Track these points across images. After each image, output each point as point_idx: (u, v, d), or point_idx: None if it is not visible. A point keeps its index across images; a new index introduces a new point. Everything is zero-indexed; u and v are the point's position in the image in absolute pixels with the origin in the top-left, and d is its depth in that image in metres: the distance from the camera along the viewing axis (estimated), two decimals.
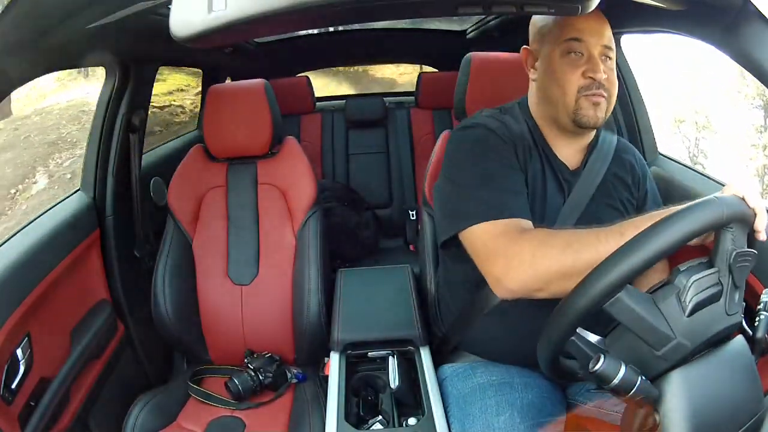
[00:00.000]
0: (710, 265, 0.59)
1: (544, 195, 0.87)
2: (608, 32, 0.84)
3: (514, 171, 0.84)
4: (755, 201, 0.63)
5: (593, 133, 0.92)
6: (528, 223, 0.79)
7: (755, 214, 0.63)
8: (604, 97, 0.83)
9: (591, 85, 0.82)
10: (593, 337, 0.61)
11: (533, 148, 0.88)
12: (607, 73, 0.83)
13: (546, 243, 0.72)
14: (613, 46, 0.84)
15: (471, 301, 0.90)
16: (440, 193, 0.88)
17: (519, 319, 0.83)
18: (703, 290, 0.57)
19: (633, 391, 0.55)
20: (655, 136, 1.38)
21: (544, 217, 0.85)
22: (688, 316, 0.56)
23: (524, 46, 0.92)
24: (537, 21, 0.90)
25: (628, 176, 0.93)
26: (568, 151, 0.91)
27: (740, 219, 0.60)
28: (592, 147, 0.92)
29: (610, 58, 0.84)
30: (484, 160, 0.83)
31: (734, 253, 0.58)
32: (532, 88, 0.93)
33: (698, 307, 0.57)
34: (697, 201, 0.59)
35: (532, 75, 0.91)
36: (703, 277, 0.57)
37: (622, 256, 0.55)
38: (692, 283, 0.56)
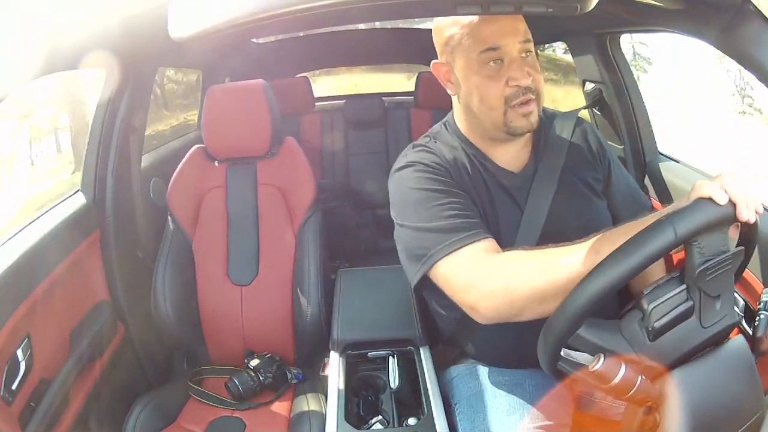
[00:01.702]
0: (680, 281, 0.57)
1: (494, 210, 0.84)
2: (523, 25, 0.77)
3: (458, 195, 0.79)
4: (725, 196, 0.57)
5: None
6: (490, 243, 0.75)
7: (734, 205, 0.57)
8: (533, 100, 0.79)
9: (517, 93, 0.77)
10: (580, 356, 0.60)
11: (471, 167, 0.85)
12: (531, 73, 0.77)
13: (517, 269, 0.69)
14: (530, 37, 0.78)
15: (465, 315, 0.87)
16: (398, 239, 0.84)
17: (525, 324, 0.83)
18: (671, 311, 0.56)
19: (633, 391, 0.55)
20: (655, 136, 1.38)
21: (499, 231, 0.82)
22: (652, 340, 0.56)
23: (434, 61, 0.86)
24: (441, 30, 0.82)
25: (587, 152, 0.90)
26: (509, 156, 0.87)
27: (704, 228, 0.56)
28: (537, 140, 0.88)
29: (530, 53, 0.78)
30: (426, 196, 0.79)
31: (702, 267, 0.56)
32: (455, 104, 0.88)
33: (666, 328, 0.56)
34: (650, 225, 0.56)
35: (451, 90, 0.86)
36: (668, 298, 0.56)
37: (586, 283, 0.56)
38: (653, 309, 0.56)
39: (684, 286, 0.57)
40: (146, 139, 1.43)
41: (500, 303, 0.69)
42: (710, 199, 0.57)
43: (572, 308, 0.56)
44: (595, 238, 0.64)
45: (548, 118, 0.92)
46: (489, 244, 0.75)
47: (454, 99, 0.88)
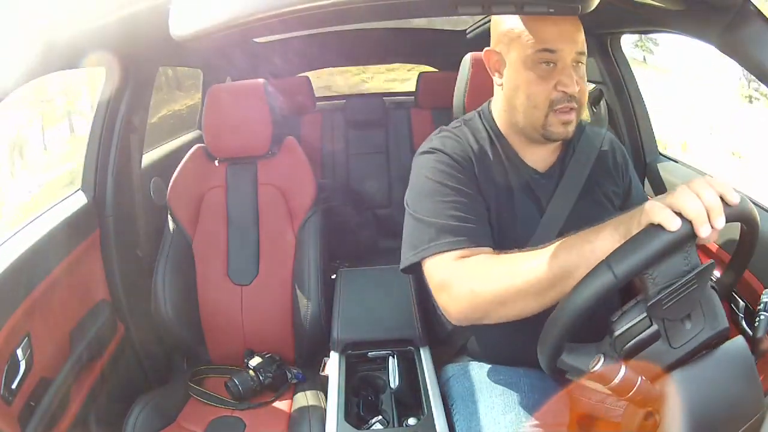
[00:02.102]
0: (643, 308, 0.57)
1: (512, 204, 0.84)
2: (582, 36, 0.79)
3: (471, 197, 0.81)
4: (676, 221, 0.53)
5: None
6: (484, 250, 0.77)
7: (692, 221, 0.54)
8: (575, 110, 0.80)
9: (563, 98, 0.78)
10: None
11: (495, 157, 0.86)
12: (580, 83, 0.79)
13: (482, 273, 0.72)
14: (585, 49, 0.80)
15: None
16: (405, 221, 0.86)
17: (523, 321, 0.83)
18: (636, 336, 0.56)
19: (633, 391, 0.55)
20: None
21: (516, 226, 0.83)
22: (624, 360, 0.56)
23: (487, 48, 0.87)
24: (501, 21, 0.83)
25: (612, 165, 0.91)
26: (538, 156, 0.88)
27: (652, 260, 0.54)
28: (567, 145, 0.89)
29: (582, 63, 0.80)
30: (435, 189, 0.81)
31: (657, 298, 0.55)
32: (498, 94, 0.88)
33: (635, 351, 0.56)
34: (591, 271, 0.56)
35: (497, 80, 0.87)
36: (632, 325, 0.56)
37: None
38: (618, 335, 0.57)
39: (644, 314, 0.56)
40: (164, 118, 1.43)
41: (465, 307, 0.73)
42: (659, 226, 0.54)
43: (572, 306, 0.56)
44: (556, 243, 0.66)
45: (581, 124, 0.93)
46: (470, 252, 0.77)
47: (497, 90, 0.88)
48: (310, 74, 2.49)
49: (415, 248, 0.80)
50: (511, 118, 0.86)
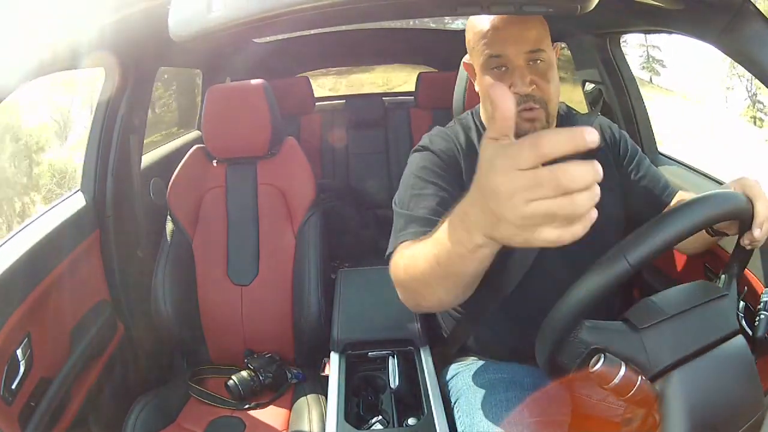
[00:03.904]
0: None
1: None
2: (533, 34, 0.79)
3: (449, 193, 0.82)
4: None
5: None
6: None
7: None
8: (536, 109, 0.80)
9: (519, 100, 0.79)
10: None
11: None
12: (536, 81, 0.79)
13: (403, 264, 0.71)
14: (544, 45, 0.80)
15: (467, 305, 0.90)
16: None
17: (526, 318, 0.83)
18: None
19: (633, 391, 0.55)
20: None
21: None
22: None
23: (464, 60, 0.90)
24: (467, 31, 0.86)
25: (609, 144, 0.92)
26: None
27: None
28: None
29: (541, 61, 0.80)
30: (416, 183, 0.84)
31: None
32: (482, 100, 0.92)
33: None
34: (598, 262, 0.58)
35: (476, 87, 0.89)
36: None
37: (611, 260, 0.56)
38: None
39: None
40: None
41: (402, 295, 0.74)
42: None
43: (570, 305, 0.56)
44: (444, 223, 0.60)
45: (571, 116, 0.95)
46: None
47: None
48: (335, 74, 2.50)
49: (393, 235, 0.82)
50: (486, 119, 0.90)
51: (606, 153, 0.91)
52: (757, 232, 0.65)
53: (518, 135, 0.81)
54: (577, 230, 0.41)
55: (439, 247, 0.58)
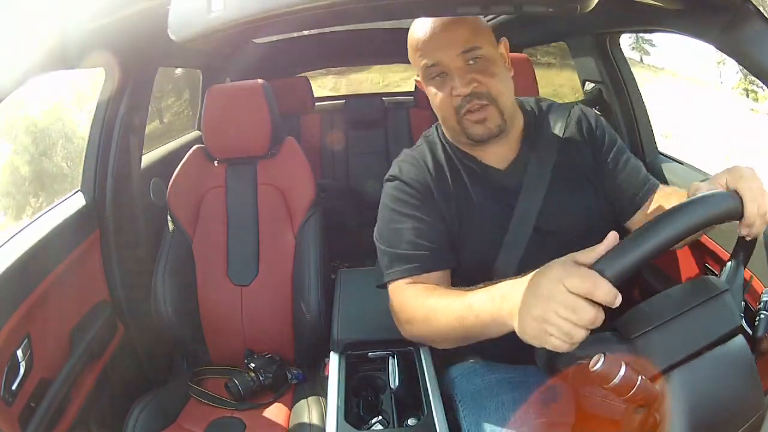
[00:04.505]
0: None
1: (479, 210, 0.84)
2: (463, 33, 0.77)
3: (426, 223, 0.83)
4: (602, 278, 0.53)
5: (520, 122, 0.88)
6: (437, 275, 0.82)
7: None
8: (484, 105, 0.79)
9: (463, 102, 0.79)
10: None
11: (451, 169, 0.86)
12: (477, 78, 0.78)
13: (412, 314, 0.78)
14: (480, 41, 0.78)
15: None
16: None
17: None
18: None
19: (633, 391, 0.55)
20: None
21: (486, 230, 0.84)
22: None
23: (414, 78, 0.89)
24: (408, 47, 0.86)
25: (582, 140, 0.88)
26: (495, 154, 0.86)
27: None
28: (526, 135, 0.88)
29: (478, 59, 0.78)
30: (392, 217, 0.85)
31: None
32: None
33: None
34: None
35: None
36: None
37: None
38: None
39: None
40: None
41: (406, 331, 0.83)
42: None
43: None
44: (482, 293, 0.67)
45: (542, 111, 0.92)
46: (423, 278, 0.82)
47: None
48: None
49: (382, 270, 0.86)
50: (447, 130, 0.88)
51: (583, 149, 0.88)
52: (745, 231, 0.63)
53: (472, 138, 0.82)
54: (567, 347, 0.53)
55: (468, 312, 0.67)
